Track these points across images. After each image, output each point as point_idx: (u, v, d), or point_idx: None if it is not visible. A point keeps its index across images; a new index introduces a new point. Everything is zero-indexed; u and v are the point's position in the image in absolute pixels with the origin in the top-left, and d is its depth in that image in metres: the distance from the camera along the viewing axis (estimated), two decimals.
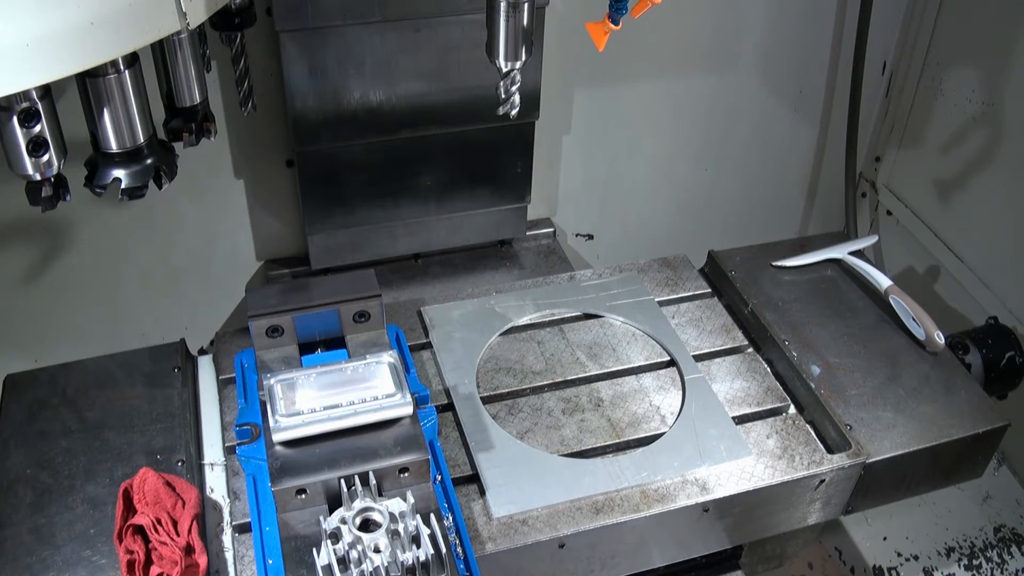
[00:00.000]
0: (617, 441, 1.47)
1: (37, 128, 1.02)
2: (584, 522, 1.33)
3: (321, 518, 1.18)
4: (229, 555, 1.30)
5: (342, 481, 1.23)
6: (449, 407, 1.52)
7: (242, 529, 1.32)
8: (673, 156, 2.31)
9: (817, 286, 1.81)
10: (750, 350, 1.67)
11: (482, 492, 1.37)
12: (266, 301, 1.46)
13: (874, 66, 2.28)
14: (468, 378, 1.55)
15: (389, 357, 1.37)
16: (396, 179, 1.90)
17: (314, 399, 1.30)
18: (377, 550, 1.15)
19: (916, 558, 2.16)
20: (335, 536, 1.16)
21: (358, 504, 1.20)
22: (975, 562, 2.13)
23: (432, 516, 1.20)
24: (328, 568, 1.13)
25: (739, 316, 1.75)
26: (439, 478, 1.34)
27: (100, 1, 0.92)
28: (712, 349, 1.66)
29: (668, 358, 1.62)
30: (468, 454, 1.43)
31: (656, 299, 1.74)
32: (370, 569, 1.13)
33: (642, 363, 1.61)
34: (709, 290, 1.79)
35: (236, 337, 1.60)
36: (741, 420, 1.51)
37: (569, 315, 1.71)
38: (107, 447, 1.42)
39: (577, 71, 2.04)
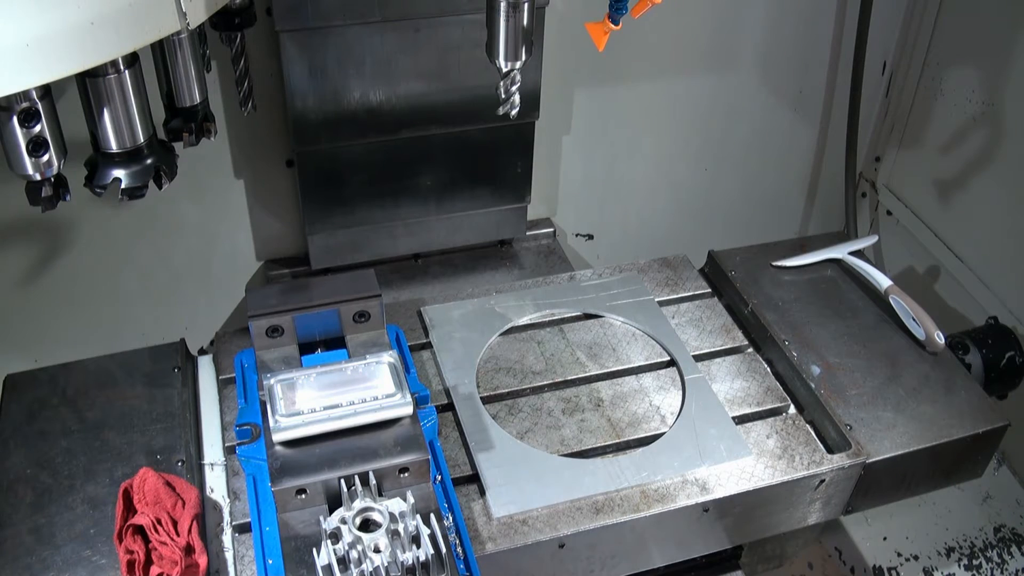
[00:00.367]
0: (617, 441, 1.47)
1: (37, 128, 1.02)
2: (584, 522, 1.33)
3: (321, 518, 1.18)
4: (229, 555, 1.30)
5: (342, 481, 1.23)
6: (449, 407, 1.52)
7: (242, 529, 1.32)
8: (673, 156, 2.31)
9: (817, 286, 1.81)
10: (750, 350, 1.67)
11: (482, 492, 1.37)
12: (266, 301, 1.46)
13: (874, 66, 2.28)
14: (468, 378, 1.55)
15: (389, 357, 1.37)
16: (396, 179, 1.90)
17: (314, 399, 1.30)
18: (377, 550, 1.15)
19: (916, 558, 2.16)
20: (335, 536, 1.16)
21: (358, 504, 1.20)
22: (975, 562, 2.13)
23: (432, 516, 1.20)
24: (328, 568, 1.13)
25: (739, 316, 1.75)
26: (439, 478, 1.34)
27: (100, 1, 0.92)
28: (712, 349, 1.66)
29: (668, 358, 1.62)
30: (468, 454, 1.43)
31: (656, 299, 1.74)
32: (370, 569, 1.13)
33: (642, 363, 1.61)
34: (709, 290, 1.79)
35: (236, 337, 1.60)
36: (741, 420, 1.51)
37: (569, 315, 1.71)
38: (107, 447, 1.42)
39: (577, 71, 2.04)
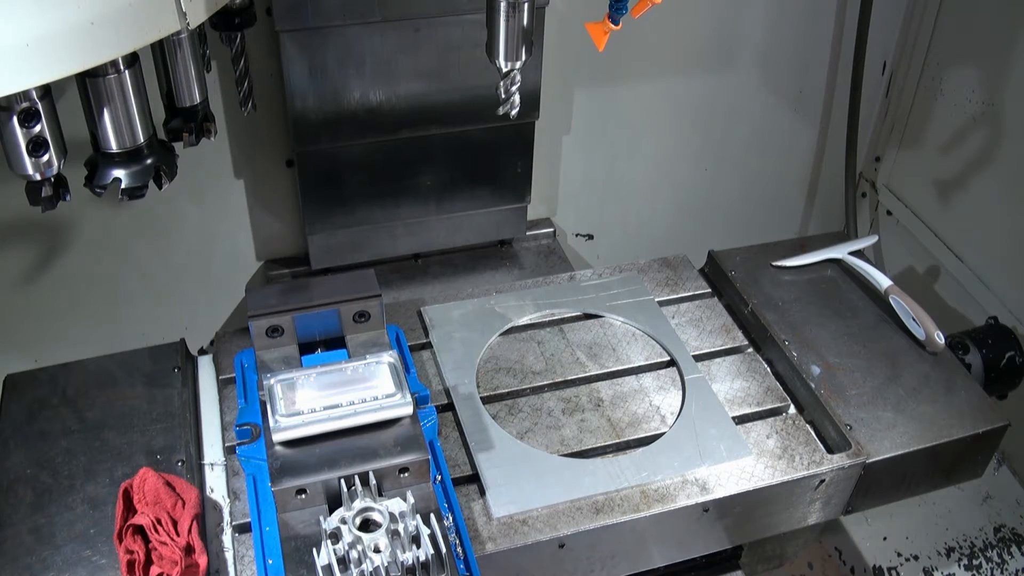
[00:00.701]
0: (617, 441, 1.47)
1: (37, 128, 1.02)
2: (584, 522, 1.33)
3: (321, 518, 1.18)
4: (229, 555, 1.30)
5: (342, 481, 1.23)
6: (449, 407, 1.52)
7: (242, 529, 1.32)
8: (673, 156, 2.31)
9: (817, 286, 1.81)
10: (750, 350, 1.67)
11: (482, 492, 1.37)
12: (266, 301, 1.46)
13: (874, 66, 2.28)
14: (468, 378, 1.55)
15: (389, 357, 1.37)
16: (396, 179, 1.90)
17: (314, 399, 1.30)
18: (377, 550, 1.15)
19: (916, 558, 2.16)
20: (335, 536, 1.16)
21: (358, 504, 1.20)
22: (975, 562, 2.13)
23: (432, 516, 1.20)
24: (328, 568, 1.13)
25: (739, 316, 1.75)
26: (439, 478, 1.34)
27: (100, 1, 0.92)
28: (712, 349, 1.66)
29: (668, 358, 1.62)
30: (468, 454, 1.43)
31: (656, 299, 1.74)
32: (370, 569, 1.13)
33: (642, 363, 1.61)
34: (709, 290, 1.79)
35: (236, 337, 1.60)
36: (741, 420, 1.51)
37: (569, 315, 1.71)
38: (107, 447, 1.42)
39: (577, 71, 2.04)
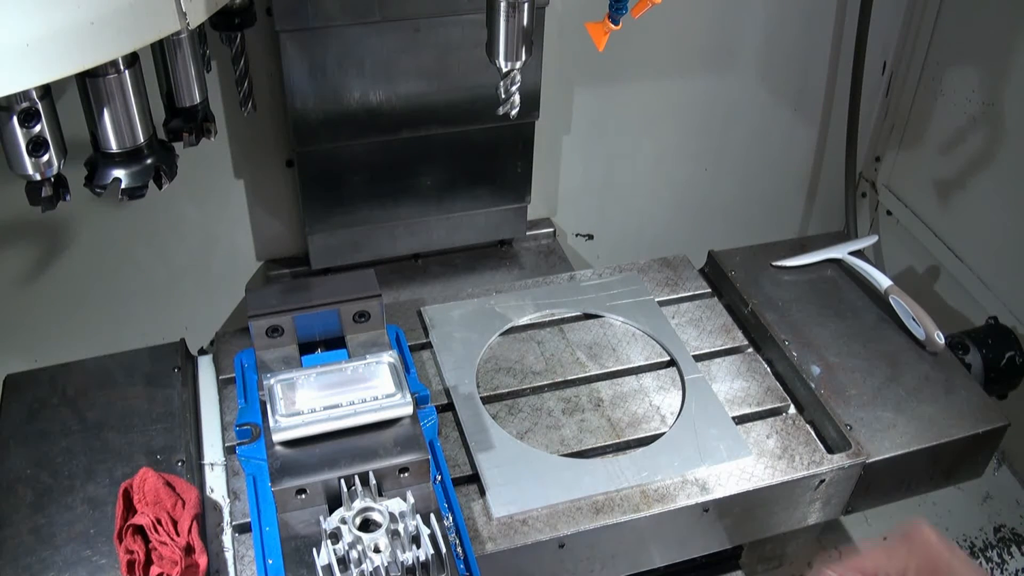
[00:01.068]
0: (617, 441, 1.47)
1: (37, 128, 1.02)
2: (584, 522, 1.33)
3: (321, 518, 1.18)
4: (229, 555, 1.30)
5: (342, 481, 1.23)
6: (449, 407, 1.52)
7: (242, 529, 1.32)
8: (673, 156, 2.31)
9: (817, 286, 1.81)
10: (750, 350, 1.67)
11: (482, 492, 1.37)
12: (266, 301, 1.46)
13: (874, 66, 2.28)
14: (468, 378, 1.55)
15: (389, 357, 1.37)
16: (396, 179, 1.90)
17: (314, 399, 1.30)
18: (377, 550, 1.15)
19: None
20: (335, 536, 1.16)
21: (358, 504, 1.20)
22: (975, 562, 2.13)
23: (432, 516, 1.20)
24: (328, 568, 1.13)
25: (739, 316, 1.75)
26: (439, 478, 1.34)
27: (100, 1, 0.92)
28: (712, 349, 1.65)
29: (668, 358, 1.62)
30: (468, 454, 1.43)
31: (656, 299, 1.74)
32: (370, 569, 1.13)
33: (642, 363, 1.61)
34: (709, 290, 1.79)
35: (236, 337, 1.60)
36: (741, 420, 1.51)
37: (569, 315, 1.71)
38: (107, 447, 1.42)
39: (577, 71, 2.04)
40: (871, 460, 1.46)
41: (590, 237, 2.38)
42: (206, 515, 1.34)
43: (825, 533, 2.22)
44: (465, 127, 1.86)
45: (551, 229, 2.19)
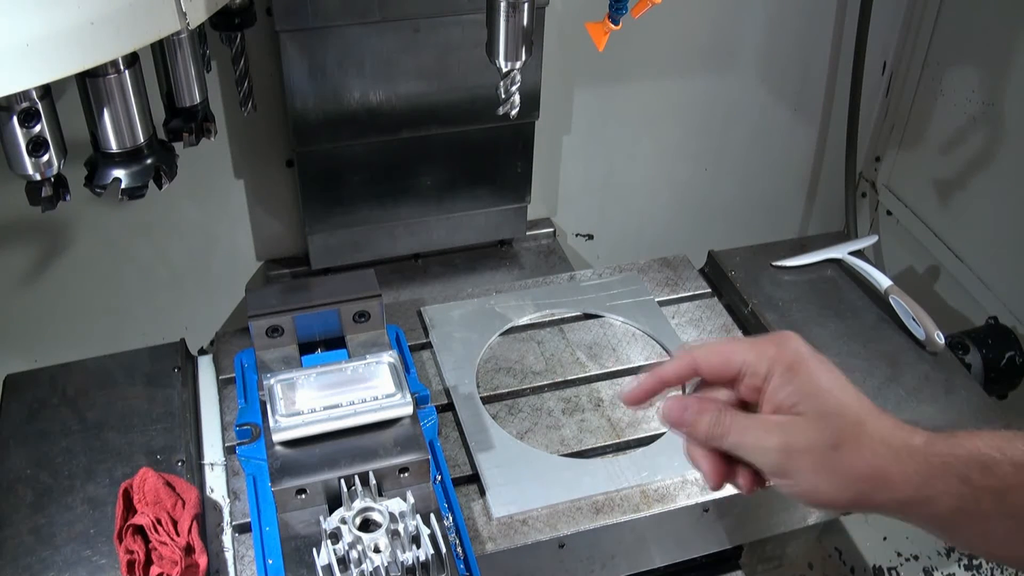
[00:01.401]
0: (617, 441, 1.47)
1: (37, 128, 1.02)
2: (584, 522, 1.33)
3: (321, 518, 1.18)
4: (229, 555, 1.30)
5: (342, 481, 1.23)
6: (449, 407, 1.52)
7: (242, 529, 1.32)
8: (673, 156, 2.31)
9: (817, 286, 1.81)
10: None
11: (482, 492, 1.37)
12: (266, 301, 1.46)
13: (874, 66, 2.28)
14: (468, 378, 1.55)
15: (389, 357, 1.37)
16: (396, 179, 1.90)
17: (314, 399, 1.30)
18: (377, 550, 1.15)
19: (916, 558, 2.16)
20: (335, 536, 1.16)
21: (358, 504, 1.20)
22: (975, 562, 2.13)
23: (432, 516, 1.20)
24: (328, 568, 1.13)
25: (739, 316, 1.75)
26: (439, 478, 1.34)
27: (100, 1, 0.92)
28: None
29: (668, 358, 1.62)
30: (468, 454, 1.43)
31: (656, 299, 1.74)
32: (370, 569, 1.13)
33: (642, 363, 1.61)
34: (709, 290, 1.79)
35: (236, 337, 1.60)
36: None
37: (569, 315, 1.71)
38: (107, 447, 1.42)
39: (577, 71, 2.04)
40: None
41: (590, 237, 2.38)
42: (206, 515, 1.34)
43: (825, 533, 2.22)
44: (465, 127, 1.86)
45: (551, 229, 2.19)
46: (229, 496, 1.37)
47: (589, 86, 2.08)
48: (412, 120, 1.81)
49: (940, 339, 1.64)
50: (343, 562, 1.14)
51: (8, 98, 0.99)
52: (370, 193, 1.90)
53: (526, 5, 1.23)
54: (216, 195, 1.93)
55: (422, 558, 1.14)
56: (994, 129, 2.06)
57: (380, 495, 1.24)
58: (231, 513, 1.34)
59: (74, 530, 1.29)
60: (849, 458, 0.79)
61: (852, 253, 1.84)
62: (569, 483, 1.38)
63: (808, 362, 0.85)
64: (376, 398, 1.30)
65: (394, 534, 1.17)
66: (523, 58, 1.29)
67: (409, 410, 1.30)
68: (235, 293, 2.07)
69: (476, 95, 1.81)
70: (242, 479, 1.35)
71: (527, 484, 1.37)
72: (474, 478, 1.40)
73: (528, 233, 2.13)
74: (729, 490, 1.38)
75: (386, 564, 1.13)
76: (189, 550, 1.22)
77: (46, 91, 1.02)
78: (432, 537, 1.16)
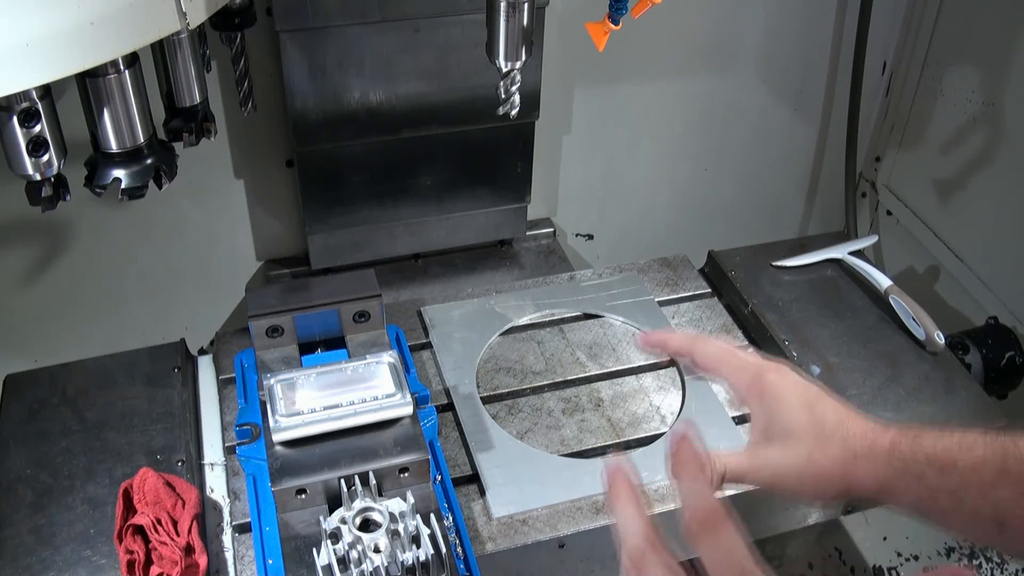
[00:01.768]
0: (617, 441, 1.47)
1: (37, 128, 1.02)
2: (584, 522, 1.33)
3: (321, 518, 1.18)
4: (229, 555, 1.30)
5: (342, 481, 1.23)
6: (449, 407, 1.52)
7: (242, 529, 1.32)
8: (673, 156, 2.31)
9: (817, 286, 1.81)
10: (750, 350, 1.66)
11: (482, 492, 1.37)
12: (266, 301, 1.46)
13: (874, 66, 2.28)
14: (468, 378, 1.55)
15: (389, 357, 1.37)
16: (396, 179, 1.90)
17: (314, 399, 1.30)
18: (377, 550, 1.15)
19: (916, 558, 2.17)
20: (335, 536, 1.16)
21: (358, 504, 1.21)
22: (975, 562, 2.13)
23: (432, 516, 1.20)
24: (328, 568, 1.13)
25: (739, 316, 1.75)
26: (439, 478, 1.34)
27: (100, 1, 0.92)
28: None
29: (668, 358, 1.62)
30: (468, 454, 1.43)
31: (656, 299, 1.74)
32: (370, 569, 1.13)
33: (642, 363, 1.61)
34: (709, 290, 1.79)
35: (236, 337, 1.60)
36: (741, 420, 1.51)
37: (569, 315, 1.71)
38: (107, 447, 1.42)
39: (577, 71, 2.04)
40: None
41: (590, 237, 2.38)
42: (206, 515, 1.34)
43: (825, 533, 2.23)
44: (465, 127, 1.86)
45: (551, 229, 2.19)
46: (229, 496, 1.37)
47: (589, 86, 2.08)
48: (412, 120, 1.81)
49: (940, 339, 1.64)
50: (343, 562, 1.14)
51: (8, 98, 0.99)
52: (370, 193, 1.90)
53: (526, 5, 1.23)
54: (216, 195, 1.93)
55: (422, 558, 1.14)
56: (994, 129, 2.06)
57: (380, 495, 1.24)
58: (231, 513, 1.34)
59: (74, 530, 1.29)
60: (820, 465, 0.91)
61: (852, 253, 1.84)
62: (569, 483, 1.38)
63: (778, 390, 0.96)
64: (376, 398, 1.30)
65: (394, 534, 1.17)
66: (523, 58, 1.29)
67: (409, 410, 1.30)
68: (235, 293, 2.07)
69: (476, 95, 1.81)
70: (242, 479, 1.35)
71: (527, 484, 1.37)
72: (474, 478, 1.40)
73: (528, 233, 2.13)
74: (729, 490, 1.39)
75: (386, 564, 1.13)
76: (189, 550, 1.22)
77: (46, 91, 1.02)
78: (432, 537, 1.17)
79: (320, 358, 1.47)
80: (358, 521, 1.19)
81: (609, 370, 1.60)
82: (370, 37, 1.68)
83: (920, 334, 1.66)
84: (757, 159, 2.38)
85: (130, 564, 1.19)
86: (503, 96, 1.35)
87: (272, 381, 1.32)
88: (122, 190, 1.14)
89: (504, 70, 1.31)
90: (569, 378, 1.58)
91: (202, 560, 1.22)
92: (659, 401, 1.54)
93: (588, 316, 1.72)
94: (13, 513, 1.31)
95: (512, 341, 1.65)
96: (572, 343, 1.65)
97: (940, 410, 1.55)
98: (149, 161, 1.15)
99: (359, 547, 1.15)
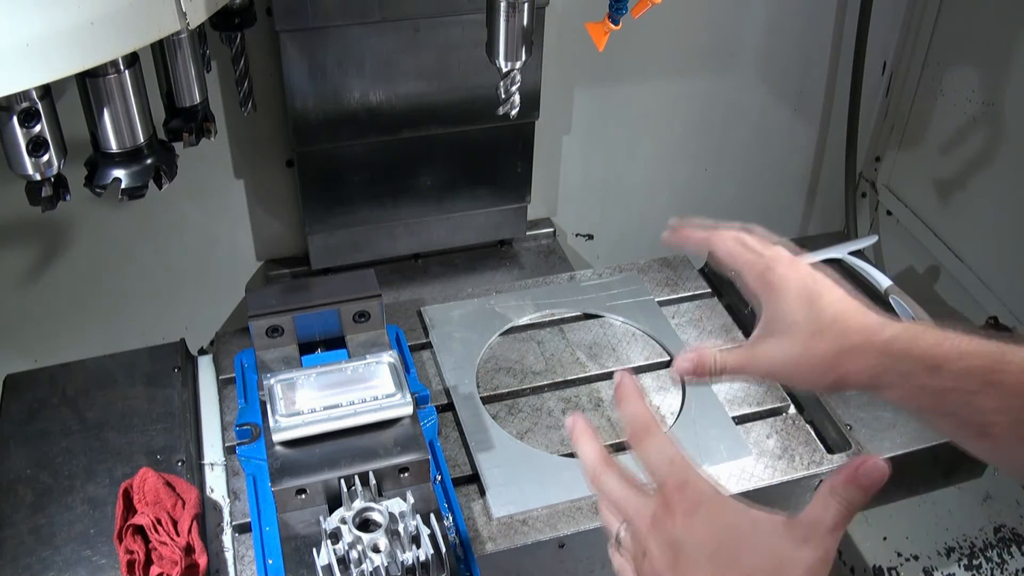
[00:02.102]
0: (617, 441, 1.47)
1: (37, 128, 1.02)
2: (584, 522, 1.33)
3: (321, 518, 1.18)
4: (229, 555, 1.30)
5: (342, 481, 1.23)
6: (449, 407, 1.52)
7: (242, 529, 1.32)
8: (673, 156, 2.31)
9: None
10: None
11: (482, 492, 1.37)
12: (266, 301, 1.46)
13: (874, 66, 2.28)
14: (468, 378, 1.55)
15: (389, 357, 1.37)
16: (396, 179, 1.90)
17: (314, 399, 1.30)
18: (377, 550, 1.15)
19: (916, 558, 2.17)
20: (335, 536, 1.16)
21: (358, 504, 1.21)
22: (975, 562, 2.13)
23: (432, 516, 1.20)
24: (328, 568, 1.13)
25: (739, 316, 1.75)
26: (439, 478, 1.34)
27: (100, 1, 0.92)
28: (712, 349, 1.65)
29: (668, 358, 1.62)
30: (468, 454, 1.43)
31: (656, 299, 1.74)
32: (370, 569, 1.13)
33: (642, 363, 1.61)
34: (709, 290, 1.79)
35: (236, 337, 1.60)
36: (741, 420, 1.51)
37: (569, 315, 1.71)
38: (107, 447, 1.42)
39: (577, 71, 2.04)
40: None
41: (590, 237, 2.38)
42: (206, 515, 1.34)
43: None
44: (465, 127, 1.86)
45: (551, 229, 2.19)
46: (229, 496, 1.37)
47: (589, 86, 2.08)
48: (412, 120, 1.81)
49: None
50: (343, 562, 1.14)
51: (8, 98, 0.99)
52: (370, 193, 1.90)
53: (526, 5, 1.23)
54: (216, 195, 1.93)
55: (422, 558, 1.14)
56: (994, 129, 2.06)
57: (380, 495, 1.24)
58: (231, 513, 1.34)
59: (74, 530, 1.29)
60: (813, 356, 0.95)
61: (852, 253, 1.84)
62: (569, 483, 1.38)
63: (782, 284, 1.03)
64: (376, 398, 1.30)
65: (394, 534, 1.17)
66: (523, 58, 1.29)
67: (409, 410, 1.30)
68: (235, 293, 2.07)
69: (476, 95, 1.81)
70: (242, 479, 1.35)
71: (527, 484, 1.37)
72: (474, 478, 1.40)
73: (528, 233, 2.13)
74: (729, 490, 1.39)
75: (386, 564, 1.13)
76: (189, 550, 1.22)
77: (46, 91, 1.02)
78: (432, 537, 1.17)
79: (320, 358, 1.47)
80: (358, 521, 1.19)
81: (609, 370, 1.60)
82: (370, 37, 1.68)
83: None
84: (757, 159, 2.38)
85: (130, 564, 1.19)
86: (503, 96, 1.35)
87: (272, 381, 1.32)
88: (122, 190, 1.14)
89: (504, 70, 1.31)
90: (569, 378, 1.58)
91: (202, 560, 1.22)
92: (659, 401, 1.54)
93: (588, 316, 1.72)
94: (13, 513, 1.31)
95: (512, 341, 1.65)
96: (572, 343, 1.65)
97: None
98: (149, 161, 1.15)
99: (359, 547, 1.15)
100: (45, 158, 1.05)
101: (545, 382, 1.57)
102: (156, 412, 1.47)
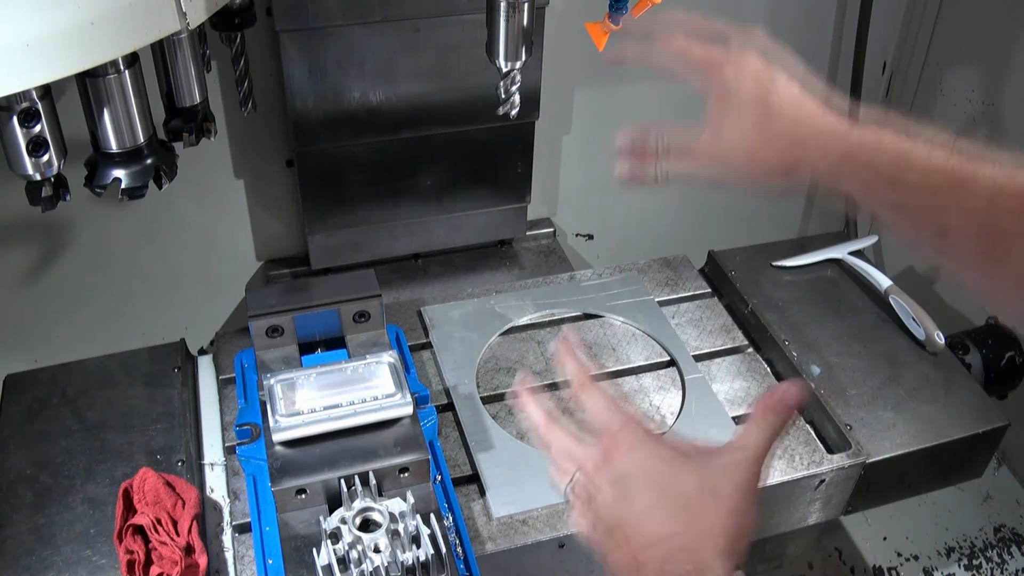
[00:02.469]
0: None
1: (37, 128, 1.02)
2: None
3: (321, 518, 1.18)
4: (229, 555, 1.30)
5: (342, 481, 1.23)
6: (449, 407, 1.52)
7: (242, 529, 1.32)
8: None
9: (817, 286, 1.81)
10: (750, 350, 1.66)
11: (482, 492, 1.37)
12: (266, 301, 1.46)
13: (874, 66, 2.27)
14: (468, 378, 1.55)
15: (389, 357, 1.37)
16: (396, 179, 1.90)
17: (314, 399, 1.30)
18: (377, 550, 1.15)
19: (916, 558, 2.16)
20: (335, 536, 1.16)
21: (358, 504, 1.21)
22: (975, 562, 2.13)
23: (432, 516, 1.20)
24: (328, 568, 1.13)
25: (739, 316, 1.75)
26: (439, 478, 1.34)
27: (100, 1, 0.92)
28: (712, 349, 1.65)
29: (668, 358, 1.62)
30: (468, 454, 1.43)
31: (656, 299, 1.74)
32: (370, 569, 1.13)
33: (642, 363, 1.61)
34: (709, 290, 1.79)
35: (236, 337, 1.60)
36: (741, 420, 1.51)
37: (569, 315, 1.71)
38: (107, 447, 1.42)
39: (577, 71, 2.04)
40: (871, 460, 1.46)
41: (590, 237, 2.38)
42: (206, 515, 1.34)
43: (825, 533, 2.22)
44: (465, 127, 1.86)
45: (551, 229, 2.19)
46: (229, 496, 1.37)
47: (589, 86, 2.08)
48: (412, 120, 1.81)
49: (940, 339, 1.64)
50: (343, 562, 1.14)
51: (8, 98, 0.99)
52: (370, 193, 1.90)
53: (526, 5, 1.23)
54: (216, 195, 1.93)
55: (422, 558, 1.14)
56: (994, 129, 2.06)
57: (380, 495, 1.24)
58: (231, 513, 1.34)
59: (74, 530, 1.29)
60: (768, 140, 0.98)
61: (852, 253, 1.84)
62: None
63: (732, 90, 1.05)
64: (376, 398, 1.30)
65: (394, 534, 1.17)
66: (523, 58, 1.29)
67: (409, 410, 1.30)
68: (235, 293, 2.07)
69: (476, 95, 1.81)
70: (242, 479, 1.35)
71: (527, 484, 1.37)
72: (474, 478, 1.40)
73: (528, 233, 2.13)
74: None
75: (386, 564, 1.13)
76: (189, 550, 1.22)
77: (46, 91, 1.02)
78: (432, 537, 1.17)
79: (320, 358, 1.47)
80: (358, 521, 1.19)
81: (609, 370, 1.60)
82: (370, 37, 1.68)
83: (920, 334, 1.66)
84: None
85: (130, 564, 1.19)
86: (503, 96, 1.35)
87: (272, 381, 1.32)
88: (122, 190, 1.14)
89: (504, 70, 1.31)
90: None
91: (202, 560, 1.22)
92: (659, 401, 1.54)
93: (588, 316, 1.72)
94: (13, 513, 1.31)
95: (512, 341, 1.65)
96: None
97: (940, 410, 1.55)
98: (149, 161, 1.15)
99: (359, 547, 1.15)
100: (45, 158, 1.04)
101: (545, 382, 1.57)
102: (156, 412, 1.47)
